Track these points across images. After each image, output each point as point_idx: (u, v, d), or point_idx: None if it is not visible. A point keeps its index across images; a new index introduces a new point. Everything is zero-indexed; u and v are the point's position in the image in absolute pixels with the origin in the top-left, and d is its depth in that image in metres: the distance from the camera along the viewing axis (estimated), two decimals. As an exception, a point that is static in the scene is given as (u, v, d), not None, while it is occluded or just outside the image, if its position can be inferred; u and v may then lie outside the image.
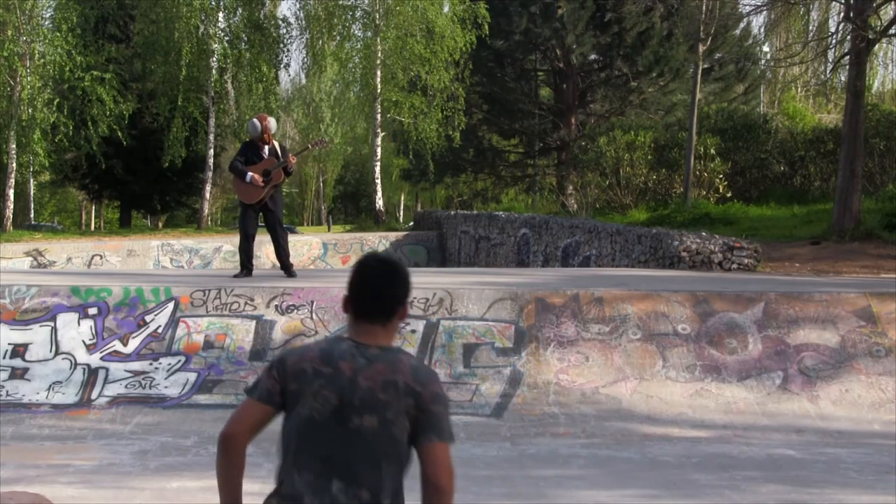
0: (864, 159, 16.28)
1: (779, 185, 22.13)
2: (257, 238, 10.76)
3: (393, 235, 27.18)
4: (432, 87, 30.91)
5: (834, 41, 19.38)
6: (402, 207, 65.96)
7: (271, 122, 10.34)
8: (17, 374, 8.08)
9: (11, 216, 30.09)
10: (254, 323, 8.60)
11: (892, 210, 15.93)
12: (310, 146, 11.68)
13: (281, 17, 34.16)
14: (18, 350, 8.25)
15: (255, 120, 10.31)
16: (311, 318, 8.63)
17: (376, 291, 2.59)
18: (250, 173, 10.06)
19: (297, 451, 2.60)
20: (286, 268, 10.36)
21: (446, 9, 31.52)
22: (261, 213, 10.37)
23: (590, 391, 8.06)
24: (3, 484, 5.67)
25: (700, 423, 7.65)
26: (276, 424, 2.66)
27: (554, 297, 8.82)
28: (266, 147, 10.23)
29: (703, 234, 14.08)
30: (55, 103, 28.73)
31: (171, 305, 8.66)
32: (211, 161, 31.86)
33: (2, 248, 22.81)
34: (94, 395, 7.96)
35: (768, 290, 9.22)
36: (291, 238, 25.60)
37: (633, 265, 14.43)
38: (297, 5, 79.11)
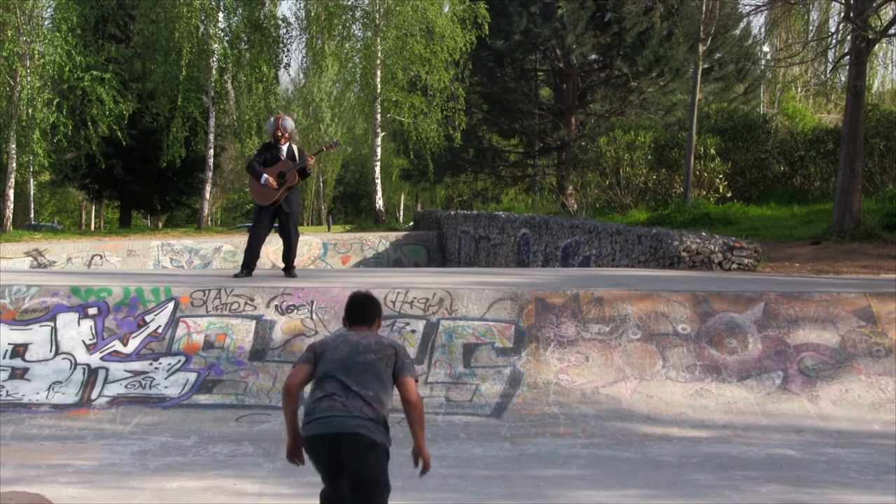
0: (864, 159, 16.27)
1: (779, 185, 22.12)
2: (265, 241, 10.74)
3: (393, 235, 27.18)
4: (432, 87, 30.91)
5: (834, 41, 19.40)
6: (402, 207, 65.95)
7: (287, 122, 10.36)
8: (17, 374, 8.08)
9: (11, 216, 30.10)
10: (254, 323, 8.60)
11: (892, 210, 15.93)
12: (324, 148, 11.69)
13: (281, 17, 34.14)
14: (18, 350, 8.25)
15: (270, 119, 10.46)
16: (311, 318, 8.63)
17: (361, 310, 4.58)
18: (265, 175, 10.06)
19: (324, 378, 4.26)
20: (288, 269, 10.37)
21: (446, 9, 31.52)
22: (276, 216, 10.38)
23: (590, 391, 8.06)
24: (3, 484, 5.67)
25: (700, 423, 7.65)
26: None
27: (554, 297, 8.82)
28: (283, 147, 10.24)
29: (703, 234, 14.08)
30: (55, 103, 28.73)
31: (171, 305, 8.66)
32: (211, 161, 31.86)
33: (2, 248, 22.82)
34: (94, 395, 7.96)
35: (768, 290, 9.22)
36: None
37: (633, 265, 14.43)
38: (298, 5, 79.18)
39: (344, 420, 4.12)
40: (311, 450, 4.22)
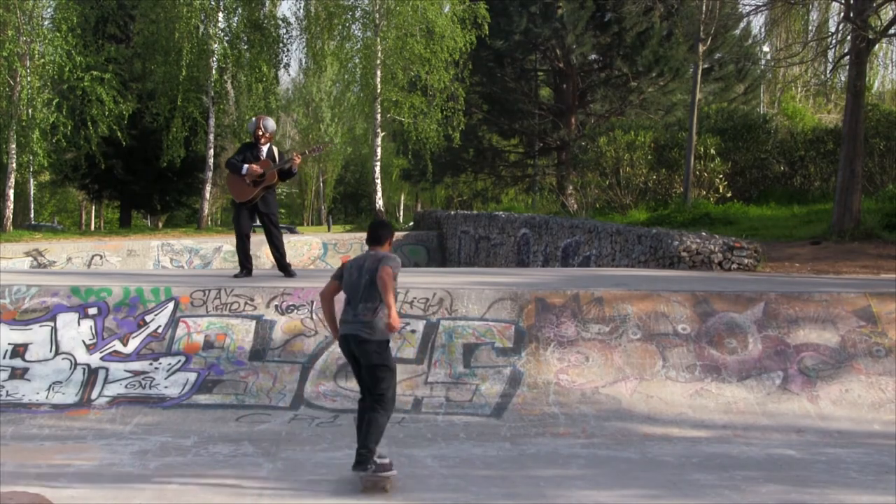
0: (864, 159, 16.26)
1: (779, 185, 22.11)
2: (259, 238, 10.78)
3: (393, 235, 27.15)
4: (432, 87, 30.89)
5: (834, 41, 19.38)
6: (402, 207, 65.95)
7: (268, 123, 10.43)
8: (17, 374, 8.09)
9: (11, 216, 30.09)
10: (254, 323, 8.60)
11: (892, 210, 15.93)
12: (307, 152, 11.71)
13: (281, 17, 34.12)
14: (18, 350, 8.25)
15: (253, 119, 10.53)
16: (311, 317, 8.63)
17: (373, 233, 6.26)
18: (247, 165, 10.13)
19: (345, 298, 6.08)
20: (284, 268, 10.38)
21: (446, 9, 31.50)
22: (256, 215, 10.41)
23: (590, 391, 8.07)
24: (3, 484, 5.68)
25: (700, 423, 7.65)
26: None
27: (554, 297, 8.83)
28: (264, 148, 10.30)
29: (703, 234, 14.08)
30: (55, 103, 28.72)
31: (171, 305, 8.66)
32: (211, 161, 31.86)
33: (2, 248, 22.81)
34: (94, 395, 7.96)
35: (768, 290, 9.22)
36: (292, 238, 25.68)
37: (633, 265, 14.43)
38: (297, 5, 79.16)
39: (351, 326, 5.96)
40: (340, 346, 6.19)
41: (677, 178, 20.91)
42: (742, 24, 32.06)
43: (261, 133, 10.31)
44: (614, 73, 34.60)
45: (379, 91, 31.22)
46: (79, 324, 8.45)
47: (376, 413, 5.87)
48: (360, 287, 5.96)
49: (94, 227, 54.89)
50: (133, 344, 8.37)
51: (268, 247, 10.75)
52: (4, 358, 8.17)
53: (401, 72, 31.09)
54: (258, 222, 10.55)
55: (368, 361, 5.92)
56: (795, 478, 6.21)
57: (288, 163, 10.29)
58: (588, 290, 9.00)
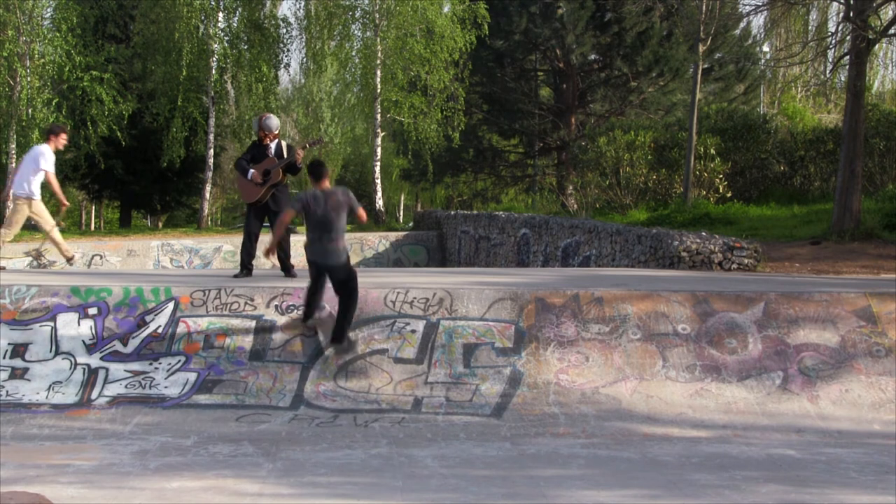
0: (864, 159, 16.25)
1: (779, 185, 22.10)
2: (259, 238, 10.79)
3: (393, 235, 27.18)
4: (432, 87, 30.90)
5: (834, 41, 19.37)
6: (402, 207, 65.90)
7: (271, 121, 10.43)
8: (17, 374, 8.09)
9: (11, 216, 30.05)
10: (254, 323, 8.60)
11: (892, 210, 15.92)
12: (307, 145, 11.70)
13: (281, 17, 34.11)
14: (18, 350, 8.25)
15: (256, 117, 10.52)
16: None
17: (319, 171, 8.36)
18: (252, 170, 10.16)
19: (313, 227, 8.05)
20: (286, 268, 10.38)
21: (446, 9, 31.52)
22: (265, 214, 10.41)
23: (590, 391, 8.07)
24: (3, 484, 5.68)
25: (700, 423, 7.65)
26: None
27: (554, 297, 8.83)
28: (271, 145, 10.31)
29: (703, 234, 14.08)
30: (54, 103, 28.72)
31: (171, 305, 8.66)
32: (211, 161, 31.85)
33: (2, 248, 22.77)
34: (94, 395, 7.96)
35: (768, 290, 9.22)
36: (292, 238, 25.64)
37: (633, 265, 14.43)
38: (297, 5, 79.10)
39: (322, 255, 8.09)
40: (309, 264, 8.27)
41: (677, 178, 20.91)
42: (742, 24, 32.09)
43: (264, 133, 10.33)
44: (614, 73, 34.61)
45: (379, 91, 31.22)
46: (79, 324, 8.45)
47: (351, 302, 8.13)
48: (326, 220, 8.02)
49: (94, 227, 54.88)
50: (133, 344, 8.37)
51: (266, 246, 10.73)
52: (4, 358, 8.17)
53: (401, 72, 31.09)
54: (268, 222, 10.55)
55: (339, 277, 8.16)
56: (795, 478, 6.21)
57: (290, 159, 10.30)
58: (588, 290, 9.00)
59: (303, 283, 9.43)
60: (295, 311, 8.71)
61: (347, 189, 8.26)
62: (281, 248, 10.42)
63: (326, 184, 8.33)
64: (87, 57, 29.48)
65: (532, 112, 36.29)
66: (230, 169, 51.61)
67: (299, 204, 8.23)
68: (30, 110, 28.27)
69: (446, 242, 27.05)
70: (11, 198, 12.20)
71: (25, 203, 12.15)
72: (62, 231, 13.83)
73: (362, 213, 8.44)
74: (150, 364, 8.25)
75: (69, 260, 12.76)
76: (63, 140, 12.47)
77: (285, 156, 10.29)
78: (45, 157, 12.16)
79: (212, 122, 31.43)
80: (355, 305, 8.13)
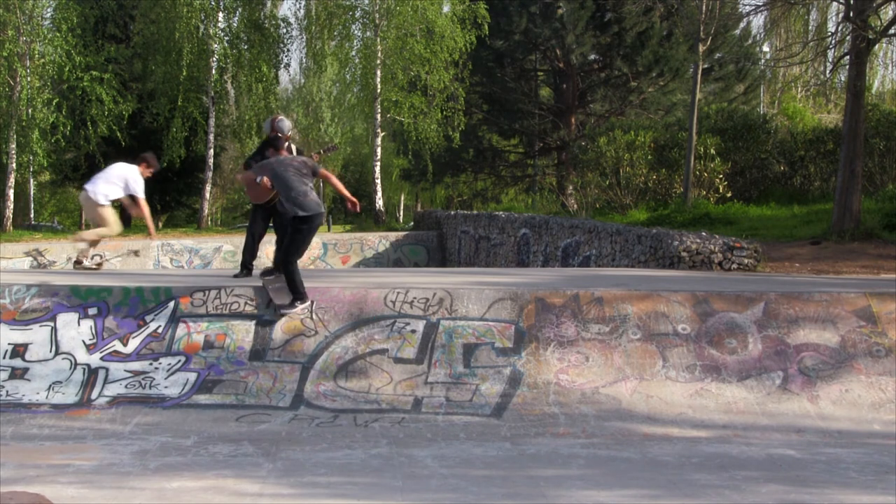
0: (864, 159, 16.25)
1: (779, 185, 22.10)
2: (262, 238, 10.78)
3: (393, 235, 27.18)
4: (432, 87, 30.92)
5: (834, 41, 19.36)
6: (402, 207, 65.88)
7: (283, 123, 10.39)
8: (17, 374, 8.09)
9: (11, 216, 30.10)
10: (254, 323, 8.60)
11: (892, 210, 15.92)
12: (322, 151, 11.70)
13: (281, 17, 34.13)
14: (18, 350, 8.25)
15: (269, 118, 10.52)
16: (311, 317, 8.63)
17: (276, 143, 9.48)
18: (260, 178, 10.10)
19: (286, 188, 9.00)
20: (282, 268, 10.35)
21: (446, 9, 31.54)
22: (270, 215, 10.40)
23: (590, 391, 8.07)
24: (3, 484, 5.68)
25: (700, 423, 7.65)
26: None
27: (554, 297, 8.83)
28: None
29: (703, 234, 14.08)
30: (54, 103, 28.73)
31: (171, 305, 8.66)
32: (211, 161, 31.88)
33: (2, 248, 22.81)
34: (94, 395, 7.96)
35: (768, 290, 9.22)
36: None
37: (633, 265, 14.43)
38: (297, 5, 79.08)
39: (291, 208, 8.92)
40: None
41: (677, 178, 20.91)
42: (742, 24, 32.11)
43: (278, 135, 10.29)
44: (614, 73, 34.62)
45: (379, 91, 31.24)
46: (79, 324, 8.45)
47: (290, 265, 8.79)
48: (298, 181, 8.91)
49: (94, 227, 54.77)
50: (133, 344, 8.37)
51: (269, 246, 10.74)
52: (4, 358, 8.17)
53: (401, 72, 31.11)
54: (272, 224, 10.54)
55: (295, 227, 8.92)
56: (795, 478, 6.21)
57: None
58: (588, 290, 9.00)
59: (304, 283, 9.42)
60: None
61: (308, 159, 9.37)
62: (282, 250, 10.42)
63: (282, 153, 9.39)
64: (87, 57, 29.50)
65: (532, 112, 36.30)
66: (230, 169, 51.67)
67: (264, 171, 9.28)
68: (30, 110, 28.28)
69: (446, 242, 27.05)
70: (91, 202, 12.23)
71: (102, 207, 12.25)
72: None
73: (324, 172, 9.14)
74: (150, 364, 8.25)
75: (81, 263, 12.64)
76: (150, 173, 12.58)
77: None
78: (138, 183, 12.26)
79: (212, 122, 31.44)
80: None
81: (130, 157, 14.10)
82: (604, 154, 21.80)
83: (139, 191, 12.28)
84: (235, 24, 32.09)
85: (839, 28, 19.72)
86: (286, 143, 10.29)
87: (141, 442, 7.07)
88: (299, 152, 10.40)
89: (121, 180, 12.28)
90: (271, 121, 10.45)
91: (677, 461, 6.61)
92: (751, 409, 7.90)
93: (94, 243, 12.72)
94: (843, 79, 28.80)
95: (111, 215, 12.36)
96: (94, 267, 12.63)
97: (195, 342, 8.42)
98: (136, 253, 18.63)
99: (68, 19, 29.04)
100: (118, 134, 29.72)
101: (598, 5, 32.91)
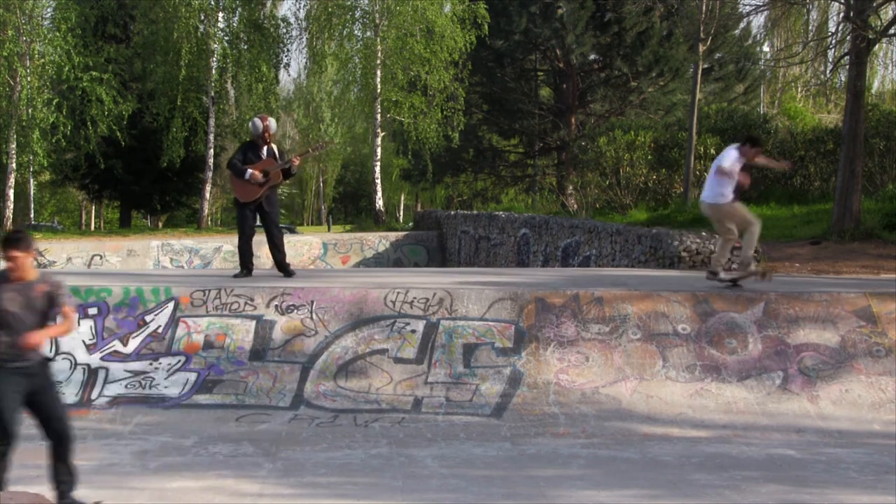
0: (864, 159, 16.24)
1: (779, 185, 22.07)
2: (258, 238, 10.79)
3: (393, 235, 27.18)
4: (432, 87, 30.91)
5: (834, 41, 19.37)
6: (402, 207, 65.93)
7: (272, 123, 10.43)
8: (17, 374, 8.07)
9: (11, 216, 30.08)
10: (254, 323, 8.60)
11: (892, 210, 15.91)
12: (311, 150, 11.68)
13: (281, 17, 34.13)
14: (18, 350, 8.24)
15: (256, 119, 10.42)
16: (311, 317, 8.63)
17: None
18: (250, 170, 10.14)
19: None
20: (283, 268, 10.37)
21: (446, 9, 31.53)
22: (258, 213, 10.42)
23: (590, 391, 8.06)
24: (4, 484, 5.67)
25: (700, 423, 7.65)
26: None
27: (554, 297, 8.82)
28: (265, 147, 10.31)
29: (703, 234, 14.07)
30: (55, 103, 28.71)
31: (171, 305, 8.66)
32: (211, 161, 31.86)
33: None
34: (94, 395, 7.96)
35: (768, 290, 9.22)
36: (291, 238, 25.69)
37: (633, 265, 14.43)
38: (297, 5, 79.13)
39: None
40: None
41: (677, 178, 20.90)
42: (742, 24, 32.09)
43: (268, 135, 10.32)
44: (614, 73, 34.60)
45: (379, 91, 31.23)
46: (79, 324, 8.44)
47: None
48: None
49: (94, 227, 54.88)
50: (133, 344, 8.37)
51: (267, 246, 10.74)
52: (4, 358, 8.16)
53: (401, 72, 31.10)
54: (259, 222, 10.56)
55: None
56: (795, 478, 6.21)
57: (287, 163, 10.32)
58: (588, 290, 8.99)
59: (303, 283, 9.44)
60: (295, 310, 8.71)
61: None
62: (277, 249, 10.43)
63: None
64: (87, 57, 29.48)
65: (532, 112, 36.30)
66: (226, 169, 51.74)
67: None
68: (30, 110, 28.27)
69: (446, 242, 27.05)
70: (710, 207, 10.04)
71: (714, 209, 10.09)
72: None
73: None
74: (150, 364, 8.25)
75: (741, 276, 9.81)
76: (754, 153, 9.93)
77: (279, 159, 10.31)
78: (727, 157, 9.83)
79: (212, 122, 31.43)
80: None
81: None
82: (604, 154, 21.78)
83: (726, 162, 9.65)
84: (235, 24, 32.08)
85: (839, 28, 19.74)
86: (265, 146, 10.33)
87: (141, 442, 7.07)
88: (281, 153, 10.43)
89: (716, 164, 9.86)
90: (261, 121, 10.43)
91: (677, 461, 6.61)
92: (751, 409, 7.90)
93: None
94: (843, 79, 28.81)
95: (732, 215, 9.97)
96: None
97: (195, 342, 8.42)
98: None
99: (68, 19, 29.02)
100: (118, 134, 29.70)
101: (598, 5, 32.89)
